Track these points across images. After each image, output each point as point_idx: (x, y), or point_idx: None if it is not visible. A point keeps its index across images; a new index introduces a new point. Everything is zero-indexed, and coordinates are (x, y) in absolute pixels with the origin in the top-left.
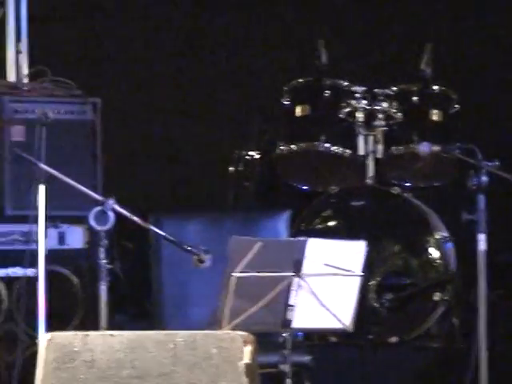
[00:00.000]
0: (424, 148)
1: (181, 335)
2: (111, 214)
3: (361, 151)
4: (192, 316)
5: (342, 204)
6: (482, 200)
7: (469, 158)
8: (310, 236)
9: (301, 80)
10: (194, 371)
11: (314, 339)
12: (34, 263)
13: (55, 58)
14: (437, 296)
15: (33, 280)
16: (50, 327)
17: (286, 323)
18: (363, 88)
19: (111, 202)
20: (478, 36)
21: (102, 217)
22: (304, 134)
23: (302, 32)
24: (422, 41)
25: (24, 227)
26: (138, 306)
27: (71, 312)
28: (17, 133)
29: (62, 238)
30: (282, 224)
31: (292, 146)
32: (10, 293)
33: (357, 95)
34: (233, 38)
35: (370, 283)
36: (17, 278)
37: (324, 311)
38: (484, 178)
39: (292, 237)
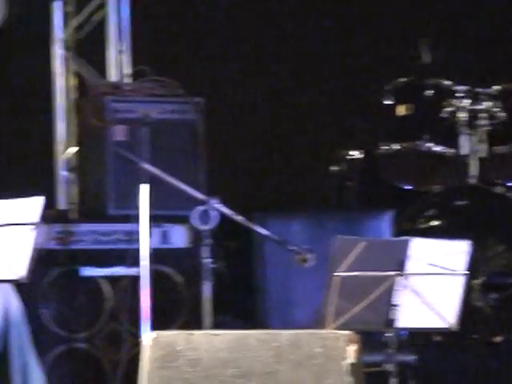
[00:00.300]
0: None
1: (285, 334)
2: (214, 214)
3: (463, 151)
4: (295, 315)
5: (445, 203)
6: None
7: None
8: (414, 235)
9: (403, 79)
10: (298, 370)
11: (419, 338)
12: (137, 262)
13: (158, 58)
14: None
15: (137, 279)
16: (154, 326)
17: (390, 323)
18: (466, 87)
19: (214, 202)
20: None
21: (205, 216)
22: (406, 134)
23: (405, 31)
24: None
25: (127, 226)
26: (241, 306)
27: (175, 311)
28: (119, 133)
29: (165, 237)
30: (385, 224)
31: (394, 146)
32: (114, 292)
33: (459, 94)
34: (336, 37)
35: (474, 283)
36: (121, 277)
37: (428, 311)
38: None
39: (395, 236)
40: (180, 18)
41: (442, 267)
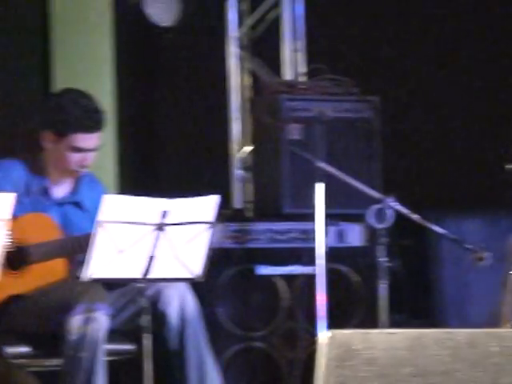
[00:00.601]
0: None
1: (461, 333)
2: (390, 212)
3: None
4: (472, 314)
5: None
6: None
7: None
8: None
9: None
10: (475, 370)
11: None
12: (313, 261)
13: (332, 56)
14: None
15: (313, 278)
16: (330, 325)
17: None
18: None
19: (390, 200)
20: None
21: (381, 215)
22: None
23: None
24: None
25: (302, 225)
26: (417, 304)
27: (351, 310)
28: (294, 131)
29: (341, 236)
30: None
31: None
32: (290, 290)
33: None
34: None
35: None
36: (296, 276)
37: None
38: None
39: None
40: (354, 15)
41: None
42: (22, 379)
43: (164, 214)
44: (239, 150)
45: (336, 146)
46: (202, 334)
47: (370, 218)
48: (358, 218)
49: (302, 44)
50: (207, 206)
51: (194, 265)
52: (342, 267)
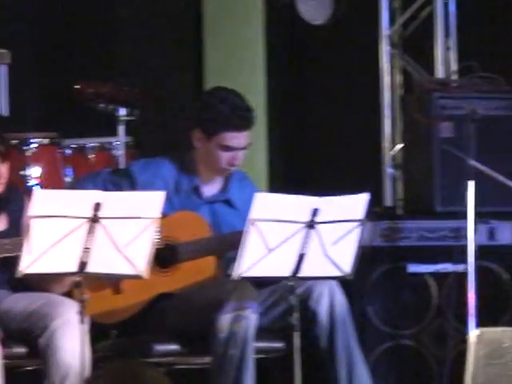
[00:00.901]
0: None
1: None
2: None
3: None
4: None
5: None
6: None
7: None
8: None
9: None
10: None
11: None
12: (463, 259)
13: (484, 54)
14: None
15: (462, 276)
16: (480, 323)
17: None
18: None
19: None
20: None
21: None
22: None
23: None
24: None
25: (453, 223)
26: None
27: (501, 308)
28: (445, 129)
29: (491, 234)
30: None
31: None
32: (440, 289)
33: None
34: None
35: None
36: (447, 274)
37: None
38: None
39: None
40: (506, 12)
41: None
42: (156, 379)
43: (314, 212)
44: (391, 148)
45: (487, 143)
46: (351, 332)
47: None
48: (509, 216)
49: (453, 42)
50: (357, 203)
51: (344, 263)
52: (493, 265)
